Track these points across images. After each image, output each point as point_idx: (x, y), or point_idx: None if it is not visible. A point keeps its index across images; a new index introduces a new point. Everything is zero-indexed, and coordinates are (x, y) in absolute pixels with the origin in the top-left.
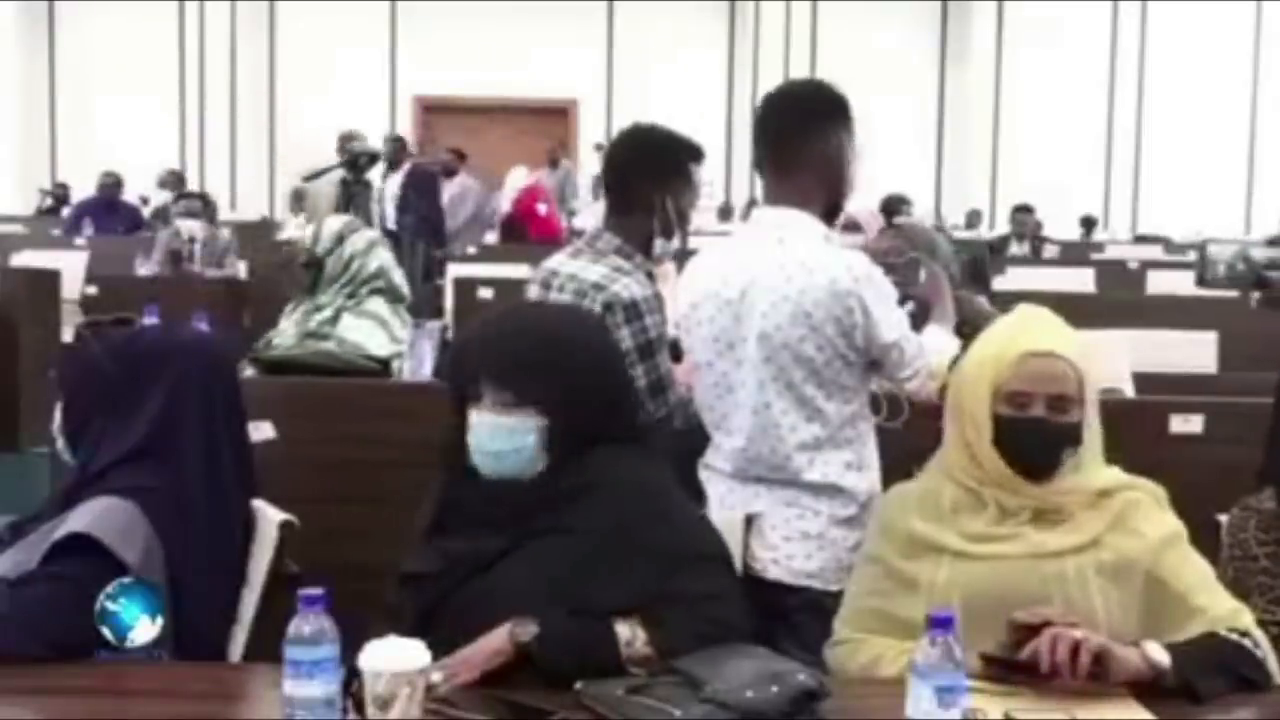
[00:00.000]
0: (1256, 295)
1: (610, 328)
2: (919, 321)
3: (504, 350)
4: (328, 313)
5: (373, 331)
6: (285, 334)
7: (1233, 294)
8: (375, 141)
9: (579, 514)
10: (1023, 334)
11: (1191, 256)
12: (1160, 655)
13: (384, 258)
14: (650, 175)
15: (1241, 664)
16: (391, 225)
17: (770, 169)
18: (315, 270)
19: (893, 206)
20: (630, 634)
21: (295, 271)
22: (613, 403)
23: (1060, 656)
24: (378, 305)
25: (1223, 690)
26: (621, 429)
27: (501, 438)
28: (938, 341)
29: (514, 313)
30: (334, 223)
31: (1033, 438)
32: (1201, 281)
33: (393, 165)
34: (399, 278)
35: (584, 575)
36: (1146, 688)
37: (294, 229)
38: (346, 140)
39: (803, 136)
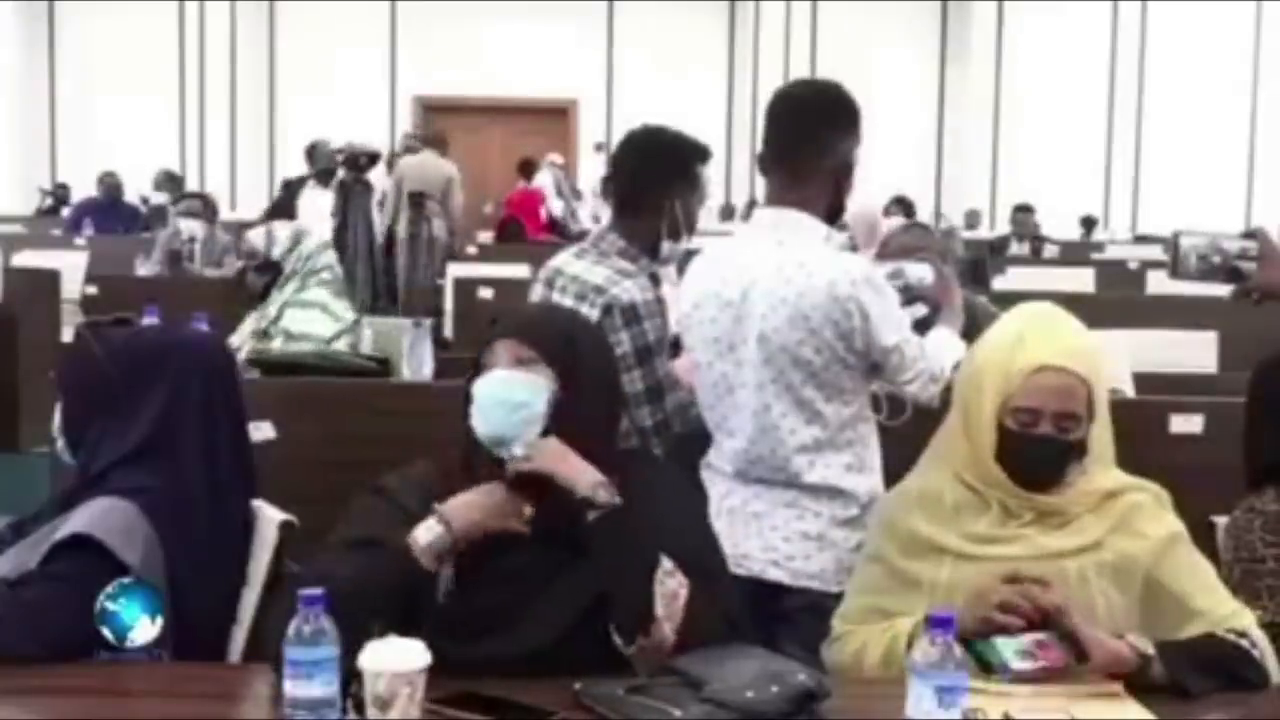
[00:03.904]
0: (1229, 288)
1: (609, 330)
2: (929, 322)
3: (524, 313)
4: (272, 310)
5: (315, 317)
6: (240, 337)
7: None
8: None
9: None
10: (1034, 344)
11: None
12: (1144, 643)
13: (332, 258)
14: (657, 177)
15: (1237, 664)
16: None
17: (779, 172)
18: (271, 275)
19: (891, 210)
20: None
21: (248, 278)
22: (612, 413)
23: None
24: (318, 293)
25: (1214, 689)
26: (612, 444)
27: (514, 388)
28: (943, 344)
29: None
30: (287, 227)
31: (1037, 455)
32: (1174, 274)
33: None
34: (341, 273)
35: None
36: (1146, 687)
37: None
38: (312, 150)
39: (816, 147)
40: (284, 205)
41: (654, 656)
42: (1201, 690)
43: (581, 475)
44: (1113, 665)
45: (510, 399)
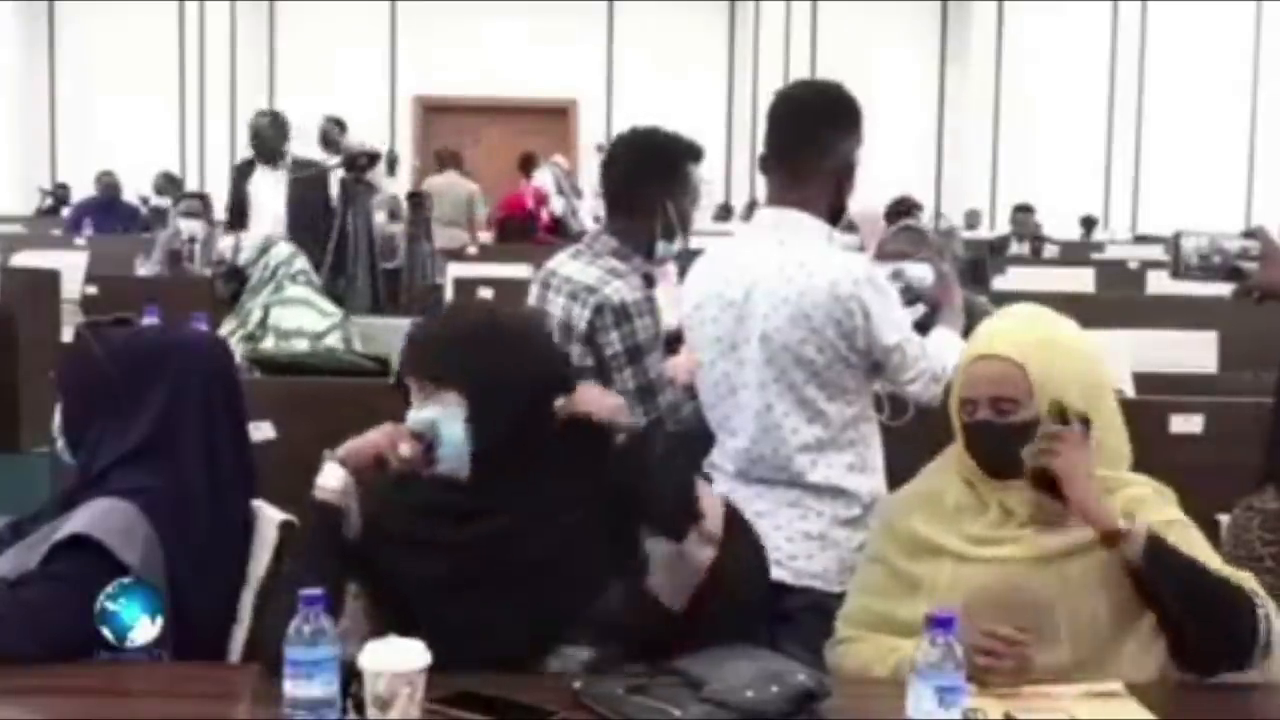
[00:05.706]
0: (1230, 288)
1: (599, 330)
2: (929, 322)
3: (427, 336)
4: (258, 314)
5: (303, 313)
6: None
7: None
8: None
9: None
10: (978, 338)
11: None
12: (1131, 524)
13: (305, 265)
14: (650, 178)
15: (1235, 604)
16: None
17: (780, 172)
18: (237, 283)
19: (902, 209)
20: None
21: (216, 286)
22: (537, 401)
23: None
24: (299, 291)
25: (1189, 610)
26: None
27: (429, 427)
28: (944, 343)
29: (447, 308)
30: (255, 236)
31: (983, 440)
32: (1175, 274)
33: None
34: (316, 278)
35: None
36: (1148, 688)
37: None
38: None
39: (817, 147)
40: (240, 196)
41: (696, 563)
42: (1174, 597)
43: (600, 405)
44: (1090, 513)
45: (434, 436)
